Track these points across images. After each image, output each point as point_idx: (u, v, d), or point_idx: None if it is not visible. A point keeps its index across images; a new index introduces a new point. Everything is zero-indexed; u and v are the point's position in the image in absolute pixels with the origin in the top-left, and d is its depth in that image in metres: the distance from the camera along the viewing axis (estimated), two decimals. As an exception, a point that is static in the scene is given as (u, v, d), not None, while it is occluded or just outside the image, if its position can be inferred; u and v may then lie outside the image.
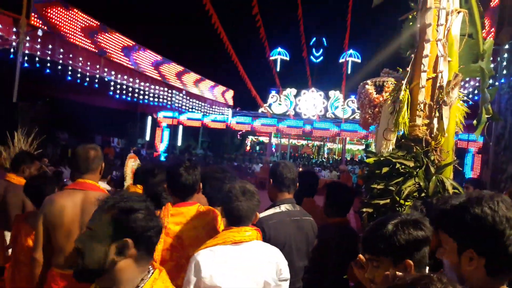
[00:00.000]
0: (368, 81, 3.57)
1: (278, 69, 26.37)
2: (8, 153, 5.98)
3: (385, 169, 3.13)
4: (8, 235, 3.88)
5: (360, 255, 2.18)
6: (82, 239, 1.51)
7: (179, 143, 28.54)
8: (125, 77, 11.89)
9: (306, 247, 3.07)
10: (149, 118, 24.91)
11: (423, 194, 3.02)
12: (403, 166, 3.10)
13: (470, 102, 3.62)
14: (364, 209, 3.18)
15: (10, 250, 3.63)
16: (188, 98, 17.23)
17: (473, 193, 1.45)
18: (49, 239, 2.83)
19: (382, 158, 3.21)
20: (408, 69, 3.36)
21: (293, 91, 25.00)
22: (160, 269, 1.65)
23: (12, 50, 8.39)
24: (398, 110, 3.22)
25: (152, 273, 1.60)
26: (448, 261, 1.50)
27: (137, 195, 1.62)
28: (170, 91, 15.21)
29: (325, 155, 35.24)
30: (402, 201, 2.97)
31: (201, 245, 2.37)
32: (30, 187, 3.51)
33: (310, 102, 24.68)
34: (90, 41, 10.18)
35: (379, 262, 1.73)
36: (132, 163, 4.31)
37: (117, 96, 13.11)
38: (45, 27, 8.59)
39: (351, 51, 26.01)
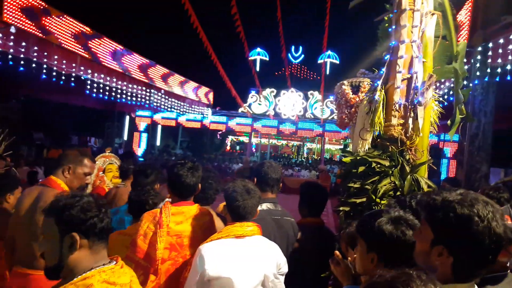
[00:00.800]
0: (345, 82, 3.61)
1: (257, 69, 26.37)
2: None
3: (361, 168, 3.17)
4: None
5: (336, 252, 2.21)
6: (41, 244, 1.70)
7: (158, 143, 28.28)
8: (102, 75, 11.69)
9: (287, 246, 3.08)
10: (127, 118, 24.54)
11: (398, 193, 3.07)
12: (379, 165, 3.15)
13: (445, 103, 3.69)
14: (341, 208, 3.21)
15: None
16: (166, 97, 17.04)
17: (469, 194, 1.43)
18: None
19: (358, 157, 3.25)
20: (384, 69, 3.40)
21: (273, 91, 25.04)
22: (122, 265, 1.74)
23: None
24: (374, 110, 3.26)
25: (105, 265, 1.68)
26: (419, 247, 1.52)
27: (71, 193, 1.74)
28: (148, 90, 15.01)
29: (305, 155, 35.43)
30: (378, 200, 3.01)
31: (198, 244, 2.49)
32: None
33: (290, 102, 24.76)
34: (66, 39, 9.98)
35: (359, 242, 1.89)
36: (101, 162, 4.23)
37: (94, 95, 12.85)
38: (18, 25, 8.38)
39: (329, 52, 26.20)
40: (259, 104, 25.04)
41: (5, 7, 7.96)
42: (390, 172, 3.12)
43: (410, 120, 3.24)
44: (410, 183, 3.08)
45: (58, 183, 2.92)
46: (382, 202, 2.99)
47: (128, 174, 4.32)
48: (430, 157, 3.37)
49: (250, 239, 2.48)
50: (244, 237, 2.46)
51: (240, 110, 24.71)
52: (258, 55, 27.85)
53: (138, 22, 29.04)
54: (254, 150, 30.65)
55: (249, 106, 24.86)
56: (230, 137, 36.75)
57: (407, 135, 3.25)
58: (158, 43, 28.31)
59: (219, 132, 30.56)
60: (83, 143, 23.24)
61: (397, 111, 3.25)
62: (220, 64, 13.59)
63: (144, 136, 24.71)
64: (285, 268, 2.61)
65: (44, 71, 10.09)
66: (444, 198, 1.43)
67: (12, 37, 8.37)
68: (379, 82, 3.33)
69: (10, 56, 8.83)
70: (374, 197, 3.01)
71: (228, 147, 37.12)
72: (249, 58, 18.80)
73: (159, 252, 2.46)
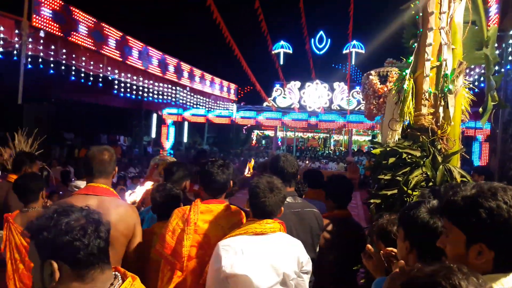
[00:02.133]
0: (372, 72, 3.56)
1: (281, 63, 26.23)
2: (10, 155, 5.97)
3: (391, 160, 3.13)
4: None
5: (368, 245, 2.19)
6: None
7: (185, 139, 28.60)
8: (129, 75, 11.89)
9: (311, 238, 3.01)
10: (154, 116, 24.92)
11: (430, 184, 3.01)
12: (409, 156, 3.10)
13: (476, 90, 3.60)
14: (372, 200, 3.18)
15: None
16: (192, 94, 17.20)
17: (484, 185, 1.39)
18: None
19: (388, 149, 3.20)
20: (412, 58, 3.34)
21: (297, 84, 24.90)
22: (134, 277, 1.50)
23: (15, 52, 8.42)
24: (403, 100, 3.20)
25: (121, 283, 1.44)
26: (452, 251, 1.45)
27: (57, 207, 1.40)
28: (174, 87, 15.20)
29: (332, 147, 35.16)
30: (409, 191, 2.97)
31: None
32: (16, 185, 3.55)
33: (315, 94, 24.58)
34: (91, 40, 10.19)
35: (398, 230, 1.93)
36: (157, 159, 4.32)
37: (122, 94, 13.11)
38: (47, 29, 8.61)
39: (354, 42, 25.78)
40: (284, 97, 24.95)
41: (34, 12, 8.19)
42: (422, 162, 3.07)
43: (441, 109, 3.18)
44: (443, 173, 3.02)
45: (111, 190, 2.70)
46: (414, 193, 2.94)
47: None
48: (462, 146, 3.30)
49: (270, 236, 2.39)
50: (263, 234, 2.37)
51: (265, 104, 24.70)
52: (282, 48, 27.67)
53: (160, 19, 29.34)
54: (280, 144, 30.61)
55: (274, 99, 24.81)
56: (256, 132, 36.81)
57: (438, 124, 3.19)
58: (181, 41, 28.57)
59: (244, 127, 30.63)
60: (113, 142, 23.74)
61: (427, 100, 3.19)
62: (244, 59, 13.64)
63: (172, 133, 25.05)
64: (308, 267, 2.50)
65: (73, 72, 10.35)
66: (464, 196, 1.38)
67: (41, 41, 8.60)
68: (408, 71, 3.27)
69: (40, 60, 9.08)
70: (405, 189, 2.97)
71: (253, 142, 37.21)
72: (273, 52, 18.74)
73: (185, 249, 2.45)
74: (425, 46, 3.22)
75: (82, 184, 4.21)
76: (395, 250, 2.10)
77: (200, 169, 2.77)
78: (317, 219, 3.08)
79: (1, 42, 7.72)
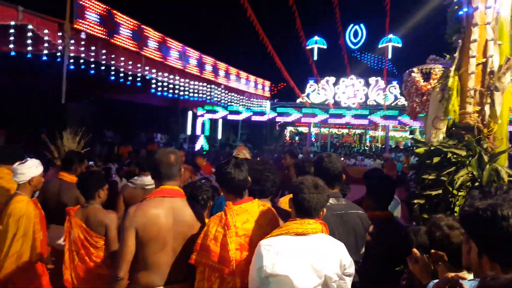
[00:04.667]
0: (415, 69, 3.49)
1: (315, 58, 25.94)
2: (58, 152, 6.25)
3: (436, 159, 3.06)
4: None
5: (414, 250, 2.16)
6: None
7: (219, 136, 28.87)
8: (166, 74, 12.09)
9: (355, 241, 2.95)
10: (190, 113, 25.25)
11: (476, 184, 2.94)
12: (454, 155, 3.02)
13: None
14: (416, 200, 3.12)
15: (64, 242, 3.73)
16: (226, 92, 17.32)
17: (499, 197, 1.36)
18: (136, 254, 2.58)
19: (432, 148, 3.14)
20: (456, 55, 3.25)
21: (332, 79, 24.59)
22: None
23: (58, 54, 8.72)
24: (447, 98, 3.13)
25: None
26: (471, 260, 1.45)
27: None
28: (209, 86, 15.36)
29: (367, 143, 34.62)
30: (455, 192, 2.90)
31: None
32: (81, 183, 3.70)
33: (350, 90, 24.24)
34: (130, 41, 10.43)
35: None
36: (235, 152, 4.40)
37: (159, 93, 13.38)
38: (88, 30, 8.88)
39: (391, 35, 25.17)
40: (318, 93, 24.73)
41: (76, 15, 8.46)
42: (467, 162, 2.99)
43: (487, 107, 3.09)
44: (489, 173, 2.93)
45: (181, 191, 2.84)
46: (460, 194, 2.88)
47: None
48: (510, 145, 3.20)
49: (311, 237, 2.37)
50: (304, 235, 2.36)
51: (298, 100, 24.56)
52: (316, 44, 27.35)
53: (193, 18, 29.65)
54: (314, 140, 30.39)
55: (308, 96, 24.64)
56: (289, 128, 36.68)
57: (484, 122, 3.10)
58: (215, 38, 28.82)
59: (277, 123, 30.56)
60: (150, 139, 24.27)
61: (472, 97, 3.10)
62: (277, 55, 13.62)
63: (206, 130, 25.34)
64: (351, 269, 2.46)
65: (112, 72, 10.63)
66: (476, 207, 1.37)
67: (82, 42, 8.87)
68: (452, 68, 3.19)
69: (82, 61, 9.37)
70: (450, 189, 2.90)
71: (287, 138, 37.09)
72: (307, 47, 18.61)
73: (231, 253, 2.46)
74: (470, 42, 3.13)
75: (147, 180, 4.42)
76: (440, 253, 2.08)
77: (218, 173, 2.77)
78: (362, 221, 3.00)
79: (46, 45, 8.00)
